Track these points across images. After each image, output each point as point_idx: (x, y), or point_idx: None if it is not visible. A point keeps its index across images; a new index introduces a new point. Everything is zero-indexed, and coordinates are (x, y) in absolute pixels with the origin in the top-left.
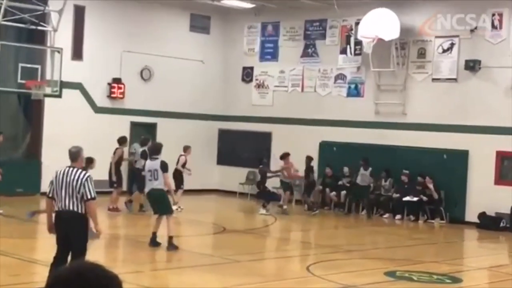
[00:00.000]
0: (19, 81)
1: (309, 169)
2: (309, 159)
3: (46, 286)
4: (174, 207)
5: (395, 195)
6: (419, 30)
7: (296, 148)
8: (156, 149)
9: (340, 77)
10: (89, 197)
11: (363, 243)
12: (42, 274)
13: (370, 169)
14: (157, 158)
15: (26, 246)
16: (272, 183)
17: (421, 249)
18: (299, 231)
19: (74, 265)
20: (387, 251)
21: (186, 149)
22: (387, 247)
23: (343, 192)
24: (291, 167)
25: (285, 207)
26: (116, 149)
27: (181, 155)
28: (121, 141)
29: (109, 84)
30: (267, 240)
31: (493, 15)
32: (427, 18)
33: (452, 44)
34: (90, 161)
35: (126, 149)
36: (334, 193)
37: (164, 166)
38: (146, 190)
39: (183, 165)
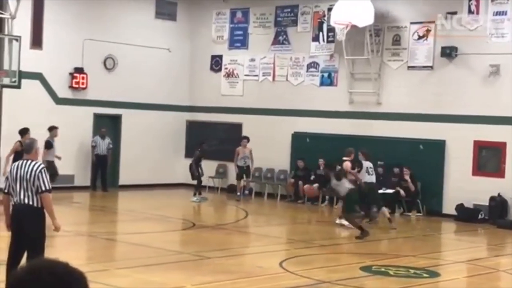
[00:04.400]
0: None
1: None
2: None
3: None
4: None
5: None
6: (393, 16)
7: (268, 139)
8: None
9: (312, 65)
10: (43, 189)
11: (338, 237)
12: (1, 273)
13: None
14: None
15: None
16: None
17: (398, 243)
18: (271, 226)
19: (32, 264)
20: (363, 246)
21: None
22: (362, 241)
23: (316, 185)
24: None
25: (238, 193)
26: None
27: None
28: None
29: (70, 74)
30: (238, 236)
31: (470, 0)
32: (402, 3)
33: (428, 31)
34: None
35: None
36: (307, 185)
37: None
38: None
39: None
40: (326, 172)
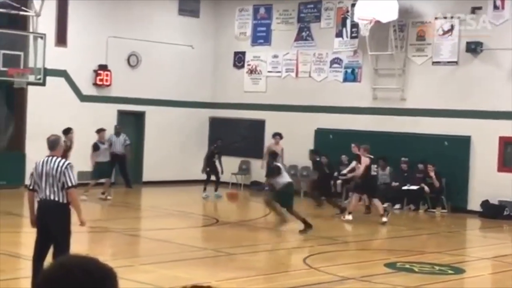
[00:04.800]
0: (0, 69)
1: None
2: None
3: (34, 286)
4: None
5: (394, 184)
6: (418, 11)
7: (290, 136)
8: None
9: (336, 61)
10: (69, 185)
11: (361, 234)
12: (27, 269)
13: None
14: None
15: (10, 240)
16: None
17: (422, 240)
18: (294, 222)
19: (63, 260)
20: (387, 242)
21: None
22: (386, 238)
23: (339, 182)
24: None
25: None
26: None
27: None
28: None
29: (94, 71)
30: (261, 232)
31: None
32: None
33: (453, 26)
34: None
35: None
36: (331, 182)
37: None
38: None
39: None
40: (268, 161)
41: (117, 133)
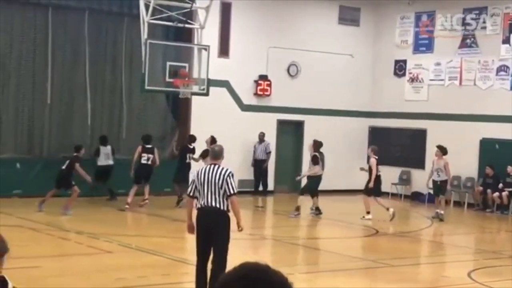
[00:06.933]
0: (167, 80)
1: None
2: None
3: None
4: None
5: None
6: None
7: (454, 146)
8: None
9: (502, 68)
10: (232, 192)
11: None
12: (192, 274)
13: None
14: None
15: (176, 246)
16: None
17: None
18: (457, 235)
19: (243, 271)
20: None
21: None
22: None
23: (505, 193)
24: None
25: (437, 211)
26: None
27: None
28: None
29: (255, 81)
30: (422, 244)
31: None
32: None
33: None
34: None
35: None
36: (496, 194)
37: None
38: None
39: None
40: None
41: (260, 140)
